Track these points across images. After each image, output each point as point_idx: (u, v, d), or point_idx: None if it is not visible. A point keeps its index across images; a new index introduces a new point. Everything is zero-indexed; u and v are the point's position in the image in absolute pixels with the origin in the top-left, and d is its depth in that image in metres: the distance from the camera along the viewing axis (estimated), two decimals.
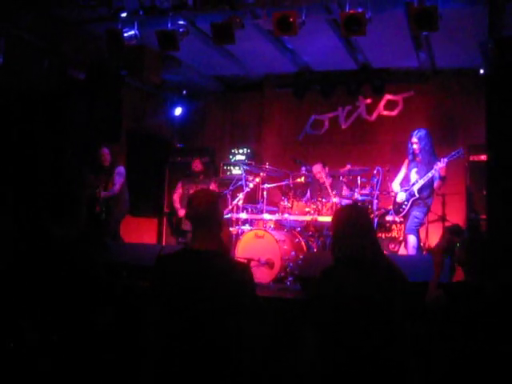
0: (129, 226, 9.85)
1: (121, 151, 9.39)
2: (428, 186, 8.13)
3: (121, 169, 9.23)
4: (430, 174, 8.03)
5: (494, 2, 6.82)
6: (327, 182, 9.24)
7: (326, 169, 9.37)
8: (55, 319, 4.06)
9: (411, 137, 8.27)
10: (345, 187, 9.21)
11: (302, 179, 9.17)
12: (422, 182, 8.08)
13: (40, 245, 4.34)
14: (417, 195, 8.11)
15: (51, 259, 4.19)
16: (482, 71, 9.09)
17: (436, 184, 8.16)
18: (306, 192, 9.55)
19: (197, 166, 10.22)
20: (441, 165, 7.93)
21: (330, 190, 8.75)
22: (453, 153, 8.01)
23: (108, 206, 8.93)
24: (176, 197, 10.23)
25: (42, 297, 4.08)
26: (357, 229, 3.60)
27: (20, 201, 6.72)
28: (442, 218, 9.52)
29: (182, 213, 9.91)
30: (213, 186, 9.96)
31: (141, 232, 10.79)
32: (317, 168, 9.35)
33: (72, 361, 4.03)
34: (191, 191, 9.53)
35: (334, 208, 8.44)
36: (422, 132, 8.23)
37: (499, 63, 6.45)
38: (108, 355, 4.39)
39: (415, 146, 8.23)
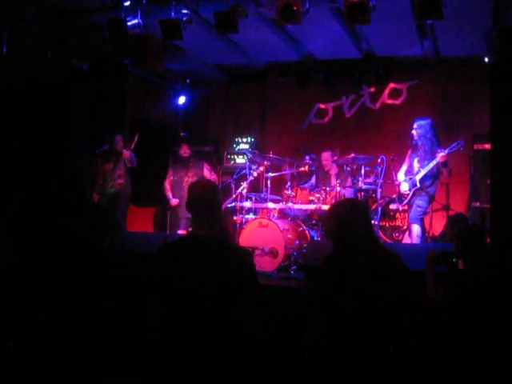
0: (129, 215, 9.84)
1: (124, 140, 9.38)
2: (430, 176, 8.11)
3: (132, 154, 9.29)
4: (431, 164, 8.00)
5: None
6: (333, 171, 9.26)
7: (335, 157, 9.37)
8: (60, 312, 4.08)
9: (413, 125, 8.28)
10: (349, 176, 9.20)
11: (306, 168, 9.17)
12: (423, 172, 8.06)
13: (46, 237, 4.36)
14: (418, 185, 8.09)
15: (57, 251, 4.21)
16: (486, 60, 9.07)
17: (444, 173, 8.15)
18: (310, 181, 9.56)
19: (185, 151, 9.72)
20: (442, 154, 7.92)
21: (334, 179, 8.78)
22: (453, 144, 7.99)
23: (113, 197, 8.98)
24: (167, 184, 9.80)
25: (48, 289, 4.11)
26: (350, 222, 3.72)
27: (25, 191, 6.74)
28: (446, 207, 9.53)
29: (174, 202, 9.59)
30: (206, 172, 9.73)
31: (141, 221, 10.79)
32: (325, 156, 9.36)
33: (77, 352, 4.06)
34: (184, 177, 9.51)
35: (337, 197, 8.45)
36: (424, 120, 8.22)
37: (503, 52, 6.44)
38: (113, 345, 4.42)
39: (414, 133, 8.23)
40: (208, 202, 3.53)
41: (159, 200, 10.28)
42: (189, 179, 9.40)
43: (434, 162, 7.99)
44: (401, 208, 8.56)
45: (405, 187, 8.26)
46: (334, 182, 8.88)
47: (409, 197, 8.21)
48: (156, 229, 11.13)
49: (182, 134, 12.03)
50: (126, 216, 9.37)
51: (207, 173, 9.68)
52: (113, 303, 4.42)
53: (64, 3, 8.12)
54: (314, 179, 9.57)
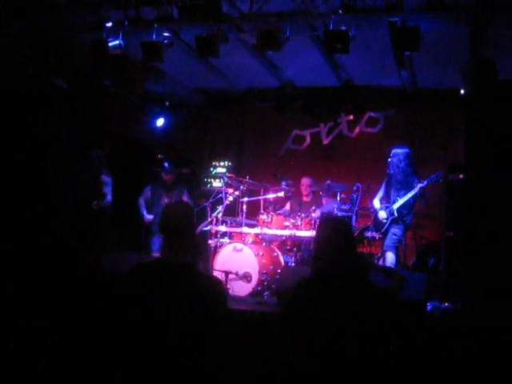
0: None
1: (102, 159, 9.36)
2: (407, 206, 8.17)
3: (104, 178, 9.27)
4: (409, 195, 8.08)
5: (475, 24, 6.92)
6: (308, 197, 9.31)
7: (312, 186, 9.43)
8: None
9: (390, 153, 8.36)
10: (324, 203, 9.25)
11: (282, 194, 9.20)
12: (401, 202, 8.12)
13: (27, 250, 4.35)
14: (396, 214, 8.15)
15: (39, 265, 4.20)
16: (462, 91, 9.20)
17: (421, 203, 8.23)
18: (285, 207, 9.60)
19: (168, 177, 9.95)
20: (421, 185, 8.01)
21: (309, 206, 8.82)
22: (432, 176, 8.07)
23: (94, 215, 8.95)
24: (142, 201, 9.95)
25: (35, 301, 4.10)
26: (338, 243, 3.64)
27: (4, 207, 6.69)
28: (420, 237, 9.58)
29: (148, 218, 9.72)
30: (185, 198, 9.83)
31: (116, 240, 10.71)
32: (305, 181, 9.41)
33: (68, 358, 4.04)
34: (163, 197, 9.56)
35: (312, 223, 8.48)
36: (400, 149, 8.30)
37: (479, 84, 6.53)
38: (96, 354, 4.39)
39: (389, 160, 8.30)
40: (182, 228, 3.47)
41: (135, 218, 10.22)
42: (168, 200, 9.45)
43: (413, 193, 8.06)
44: (376, 236, 8.58)
45: (383, 215, 8.31)
46: (308, 208, 8.91)
47: (386, 225, 8.26)
48: (131, 248, 11.05)
49: (159, 155, 12.01)
50: (106, 235, 9.34)
51: (186, 199, 9.75)
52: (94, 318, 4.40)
53: (47, 21, 8.11)
54: (288, 205, 9.60)
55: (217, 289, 3.44)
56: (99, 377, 4.26)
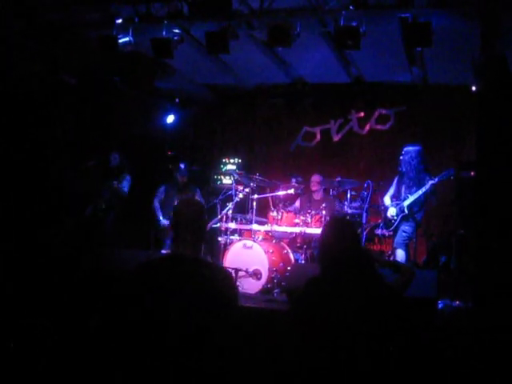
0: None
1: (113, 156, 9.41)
2: (418, 203, 8.13)
3: (128, 177, 9.40)
4: (420, 192, 8.03)
5: (487, 20, 6.87)
6: (319, 195, 9.28)
7: (322, 183, 9.42)
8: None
9: (401, 150, 8.31)
10: (335, 200, 9.23)
11: (292, 191, 9.17)
12: (412, 199, 8.06)
13: (27, 250, 4.35)
14: (406, 211, 8.10)
15: (39, 265, 4.20)
16: (473, 88, 9.15)
17: (431, 201, 8.18)
18: (295, 204, 9.57)
19: (183, 179, 9.83)
20: (432, 182, 7.95)
21: (319, 203, 8.79)
22: (444, 172, 8.00)
23: (102, 212, 9.00)
24: (157, 202, 9.81)
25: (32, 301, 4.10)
26: (342, 243, 3.64)
27: (7, 205, 6.69)
28: (430, 234, 9.54)
29: (164, 223, 9.53)
30: (197, 198, 9.80)
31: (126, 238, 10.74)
32: (316, 178, 9.39)
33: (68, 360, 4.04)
34: (176, 199, 9.54)
35: (322, 220, 8.46)
36: (412, 147, 8.26)
37: (491, 81, 6.49)
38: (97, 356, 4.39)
39: (401, 158, 8.26)
40: (192, 225, 3.45)
41: (143, 216, 10.25)
42: None
43: (424, 190, 8.00)
44: (386, 233, 8.55)
45: (392, 212, 8.27)
46: (318, 206, 8.88)
47: (396, 222, 8.22)
48: (140, 246, 11.06)
49: (169, 152, 12.02)
50: (114, 232, 9.38)
51: (198, 198, 9.74)
52: (96, 318, 4.39)
53: (55, 17, 8.12)
54: (298, 202, 9.58)
55: (227, 281, 3.44)
56: (99, 377, 4.26)
